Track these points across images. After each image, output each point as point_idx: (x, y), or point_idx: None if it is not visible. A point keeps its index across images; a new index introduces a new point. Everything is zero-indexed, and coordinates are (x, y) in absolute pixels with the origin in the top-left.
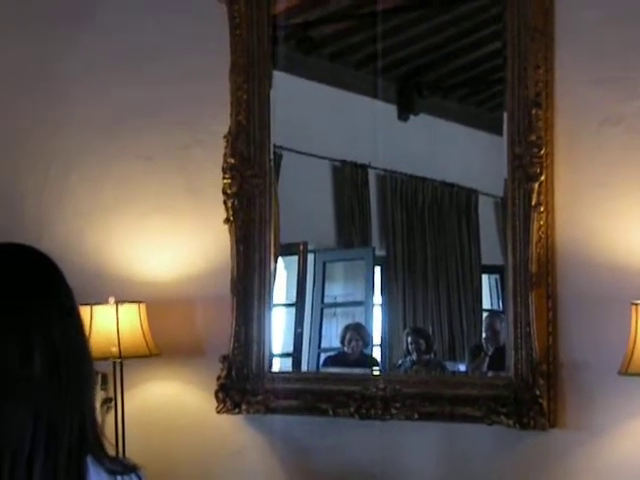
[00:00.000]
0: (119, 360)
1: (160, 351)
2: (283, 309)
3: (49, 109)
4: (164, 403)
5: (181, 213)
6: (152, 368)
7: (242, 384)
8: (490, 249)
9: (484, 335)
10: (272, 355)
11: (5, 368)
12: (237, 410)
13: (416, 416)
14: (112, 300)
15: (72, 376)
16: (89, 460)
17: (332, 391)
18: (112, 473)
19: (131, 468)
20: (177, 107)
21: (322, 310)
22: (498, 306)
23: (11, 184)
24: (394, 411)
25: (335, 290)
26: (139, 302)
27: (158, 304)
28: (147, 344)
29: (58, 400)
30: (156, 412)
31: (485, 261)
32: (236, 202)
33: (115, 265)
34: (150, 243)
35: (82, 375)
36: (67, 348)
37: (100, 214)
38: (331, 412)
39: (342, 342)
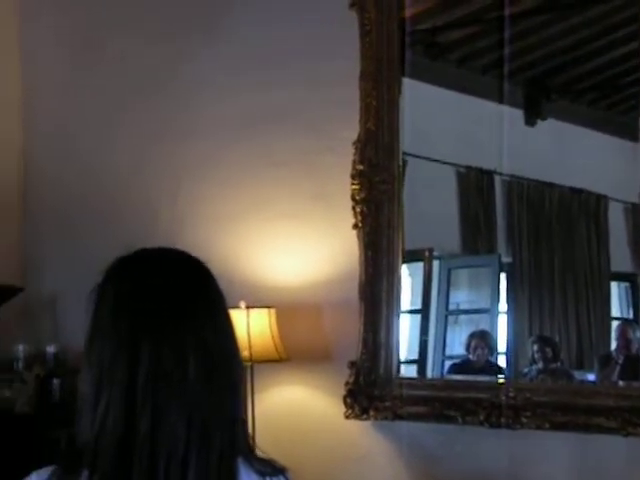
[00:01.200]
0: (249, 364)
1: (289, 356)
2: (407, 316)
3: (180, 114)
4: (292, 408)
5: (310, 218)
6: (281, 373)
7: (370, 390)
8: (620, 256)
9: (614, 343)
10: (400, 361)
11: (161, 370)
12: (365, 416)
13: (547, 425)
14: (243, 305)
15: (224, 378)
16: (239, 461)
17: (460, 399)
18: (261, 474)
19: (279, 470)
20: (307, 113)
21: (446, 317)
22: (627, 314)
23: (145, 190)
24: (524, 420)
25: (459, 297)
26: (269, 307)
27: (287, 309)
28: (276, 349)
29: (211, 402)
30: (284, 416)
31: (614, 268)
32: (365, 208)
33: (246, 270)
34: (279, 248)
35: (233, 377)
36: (219, 350)
37: (231, 219)
38: (460, 420)
39: (467, 349)
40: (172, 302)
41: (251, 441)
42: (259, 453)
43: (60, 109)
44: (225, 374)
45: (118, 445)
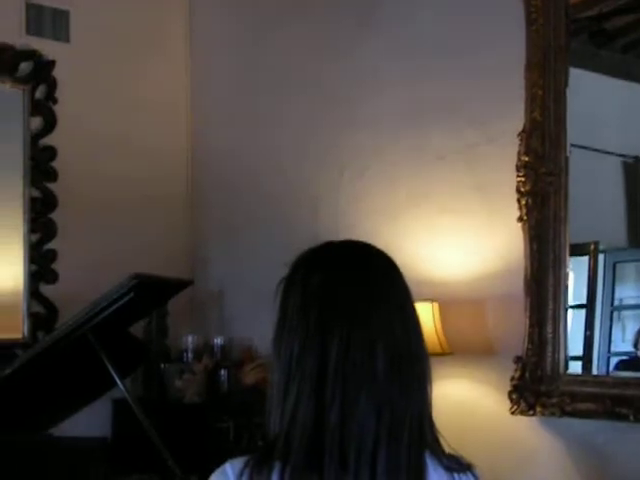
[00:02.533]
0: None
1: (452, 350)
2: (570, 311)
3: (340, 109)
4: (456, 402)
5: (472, 212)
6: (444, 367)
7: (536, 386)
8: None
9: None
10: (568, 357)
11: (350, 362)
12: (531, 412)
13: None
14: None
15: (412, 371)
16: (427, 456)
17: (633, 396)
18: (449, 470)
19: (467, 466)
20: (469, 105)
21: (612, 313)
22: None
23: (307, 185)
24: None
25: (624, 292)
26: (432, 301)
27: (450, 303)
28: (440, 343)
29: (399, 396)
30: (447, 411)
31: None
32: (530, 200)
33: (407, 264)
34: (442, 242)
35: (421, 371)
36: (407, 343)
37: (393, 213)
38: (632, 418)
39: (635, 346)
40: (361, 294)
41: (438, 436)
42: (446, 448)
43: (224, 110)
44: (413, 367)
45: (309, 437)
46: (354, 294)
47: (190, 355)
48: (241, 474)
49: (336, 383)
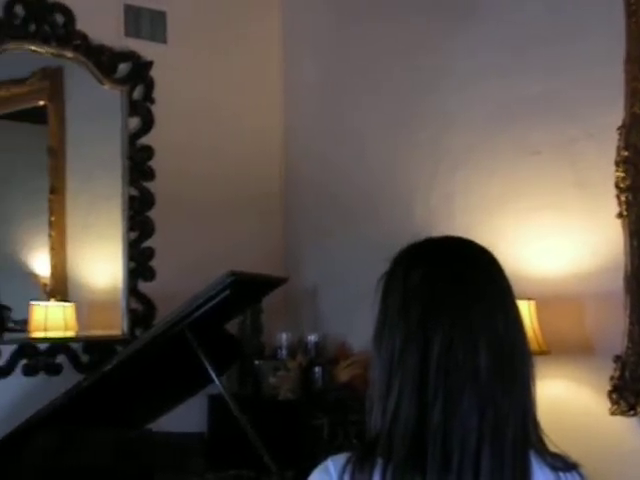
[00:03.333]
0: None
1: (549, 349)
2: None
3: (432, 103)
4: (553, 401)
5: (570, 208)
6: (542, 366)
7: (636, 385)
8: None
9: None
10: None
11: (452, 359)
12: (632, 412)
13: None
14: None
15: (515, 369)
16: (531, 455)
17: None
18: (554, 469)
19: (572, 465)
20: (566, 99)
21: None
22: None
23: (398, 185)
24: None
25: None
26: (529, 299)
27: (547, 301)
28: (537, 341)
29: (502, 395)
30: (545, 410)
31: None
32: (629, 196)
33: (503, 261)
34: (538, 239)
35: (524, 370)
36: (510, 341)
37: (488, 210)
38: None
39: None
40: (463, 290)
41: (543, 435)
42: (550, 447)
43: (315, 109)
44: (516, 365)
45: (412, 435)
46: (456, 291)
47: (284, 352)
48: (343, 471)
49: (438, 381)
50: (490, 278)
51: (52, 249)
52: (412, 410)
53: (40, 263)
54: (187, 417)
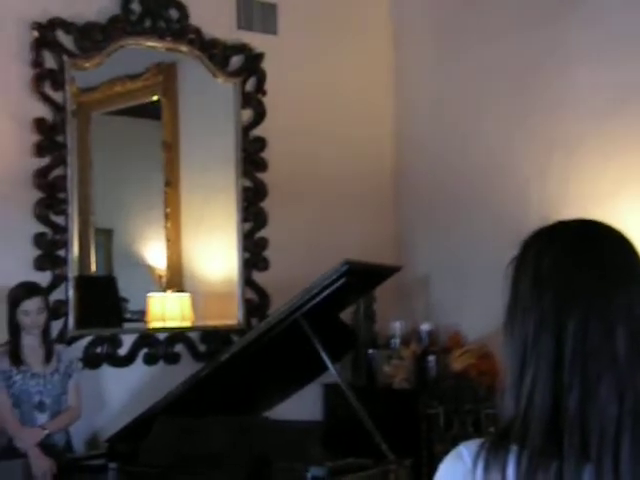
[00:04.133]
0: None
1: None
2: None
3: (549, 89)
4: None
5: None
6: None
7: None
8: None
9: None
10: None
11: (588, 344)
12: None
13: None
14: None
15: None
16: None
17: None
18: None
19: None
20: None
21: None
22: None
23: (515, 170)
24: None
25: None
26: None
27: None
28: None
29: None
30: None
31: None
32: None
33: None
34: None
35: None
36: None
37: (601, 198)
38: None
39: None
40: (598, 274)
41: None
42: None
43: (427, 98)
44: None
45: (547, 421)
46: (590, 275)
47: (398, 341)
48: (477, 456)
49: (574, 367)
50: (624, 261)
51: (168, 241)
52: (547, 396)
53: (156, 255)
54: (302, 406)
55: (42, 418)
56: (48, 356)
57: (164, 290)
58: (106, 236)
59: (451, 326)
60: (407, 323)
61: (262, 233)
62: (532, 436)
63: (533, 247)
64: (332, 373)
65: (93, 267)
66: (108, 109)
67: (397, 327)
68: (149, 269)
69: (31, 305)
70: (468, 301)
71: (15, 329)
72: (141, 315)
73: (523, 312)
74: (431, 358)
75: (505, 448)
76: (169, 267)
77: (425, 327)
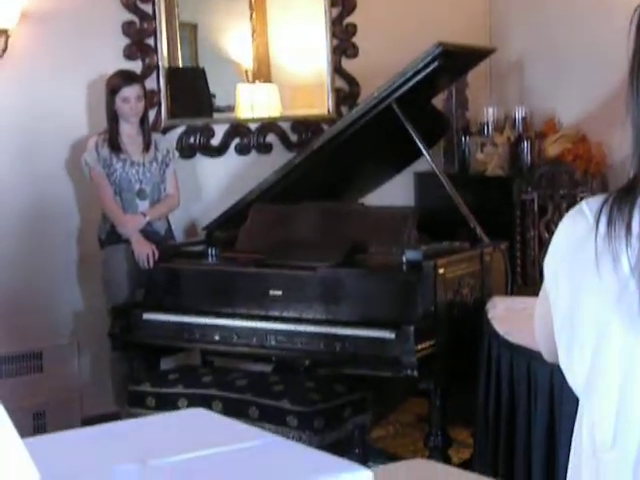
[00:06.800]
0: None
1: None
2: None
3: None
4: None
5: None
6: None
7: None
8: None
9: None
10: None
11: None
12: None
13: None
14: None
15: None
16: None
17: None
18: None
19: None
20: None
21: None
22: None
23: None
24: None
25: None
26: None
27: None
28: None
29: None
30: None
31: None
32: None
33: None
34: None
35: None
36: None
37: None
38: None
39: None
40: None
41: None
42: None
43: None
44: None
45: None
46: None
47: (490, 127)
48: (599, 211)
49: None
50: None
51: (253, 32)
52: None
53: (242, 49)
54: (395, 194)
55: (143, 205)
56: (147, 144)
57: (252, 82)
58: (191, 30)
59: (546, 111)
60: (500, 109)
61: (351, 18)
62: None
63: None
64: (426, 159)
65: (180, 61)
66: None
67: (490, 113)
68: (235, 64)
69: (130, 92)
70: (564, 84)
71: (114, 117)
72: (229, 110)
73: None
74: (525, 144)
75: (630, 202)
76: (255, 59)
77: (519, 112)
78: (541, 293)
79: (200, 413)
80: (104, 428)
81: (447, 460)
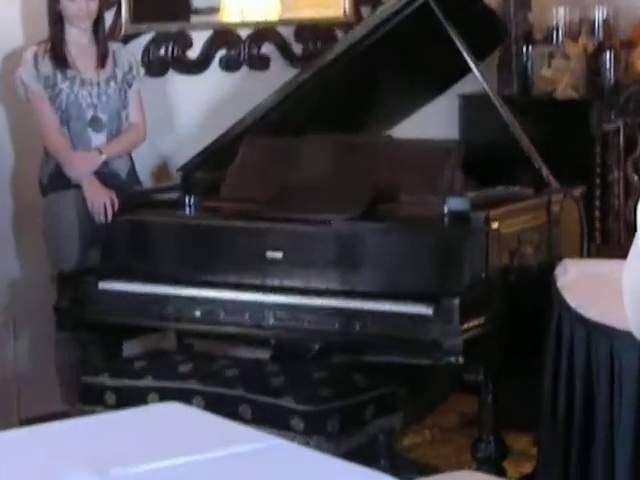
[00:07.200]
0: None
1: None
2: None
3: None
4: None
5: None
6: None
7: None
8: None
9: None
10: None
11: None
12: None
13: None
14: None
15: None
16: None
17: None
18: None
19: None
20: None
21: None
22: None
23: None
24: None
25: None
26: None
27: None
28: None
29: None
30: None
31: None
32: None
33: None
34: None
35: None
36: None
37: None
38: None
39: None
40: None
41: None
42: None
43: None
44: None
45: None
46: None
47: (561, 34)
48: None
49: None
50: None
51: None
52: None
53: None
54: (434, 123)
55: (98, 139)
56: (102, 58)
57: None
58: None
59: (636, 11)
60: (575, 9)
61: None
62: None
63: None
64: (475, 77)
65: None
66: None
67: (561, 15)
68: None
69: None
70: None
71: (58, 20)
72: (212, 12)
73: None
74: (607, 56)
75: None
76: None
77: (599, 13)
78: (631, 251)
79: (175, 408)
80: (52, 428)
81: (502, 474)
